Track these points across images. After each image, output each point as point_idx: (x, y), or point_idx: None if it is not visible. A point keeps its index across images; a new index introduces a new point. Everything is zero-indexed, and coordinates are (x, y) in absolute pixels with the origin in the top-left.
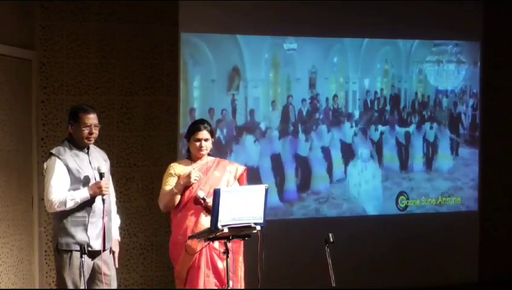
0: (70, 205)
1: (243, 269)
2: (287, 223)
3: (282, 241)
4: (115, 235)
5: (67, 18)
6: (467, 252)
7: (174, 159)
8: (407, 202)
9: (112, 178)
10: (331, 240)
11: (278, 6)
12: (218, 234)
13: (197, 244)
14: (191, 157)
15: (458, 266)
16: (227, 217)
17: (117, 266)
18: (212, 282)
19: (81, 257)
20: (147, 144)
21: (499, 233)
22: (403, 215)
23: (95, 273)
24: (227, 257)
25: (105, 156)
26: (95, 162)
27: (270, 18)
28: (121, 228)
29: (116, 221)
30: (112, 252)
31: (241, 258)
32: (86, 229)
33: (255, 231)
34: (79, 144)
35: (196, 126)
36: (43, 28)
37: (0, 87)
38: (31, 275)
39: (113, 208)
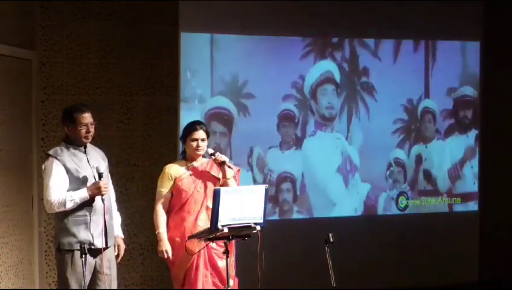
0: (69, 205)
1: (234, 268)
2: (287, 223)
3: (282, 241)
4: (119, 232)
5: (67, 18)
6: (467, 252)
7: (174, 159)
8: (407, 202)
9: (112, 178)
10: (331, 240)
11: (278, 6)
12: (218, 234)
13: (196, 245)
14: (187, 157)
15: (458, 266)
16: (227, 217)
17: (118, 260)
18: (210, 282)
19: (81, 257)
20: (147, 144)
21: (499, 233)
22: (402, 215)
23: (96, 272)
24: (228, 257)
25: (103, 155)
26: (93, 161)
27: (271, 18)
28: (121, 227)
29: (117, 219)
30: (117, 248)
31: (233, 259)
32: (87, 228)
33: (255, 231)
34: (77, 144)
35: (192, 126)
36: (43, 28)
37: (0, 87)
38: (31, 275)
39: (114, 205)
